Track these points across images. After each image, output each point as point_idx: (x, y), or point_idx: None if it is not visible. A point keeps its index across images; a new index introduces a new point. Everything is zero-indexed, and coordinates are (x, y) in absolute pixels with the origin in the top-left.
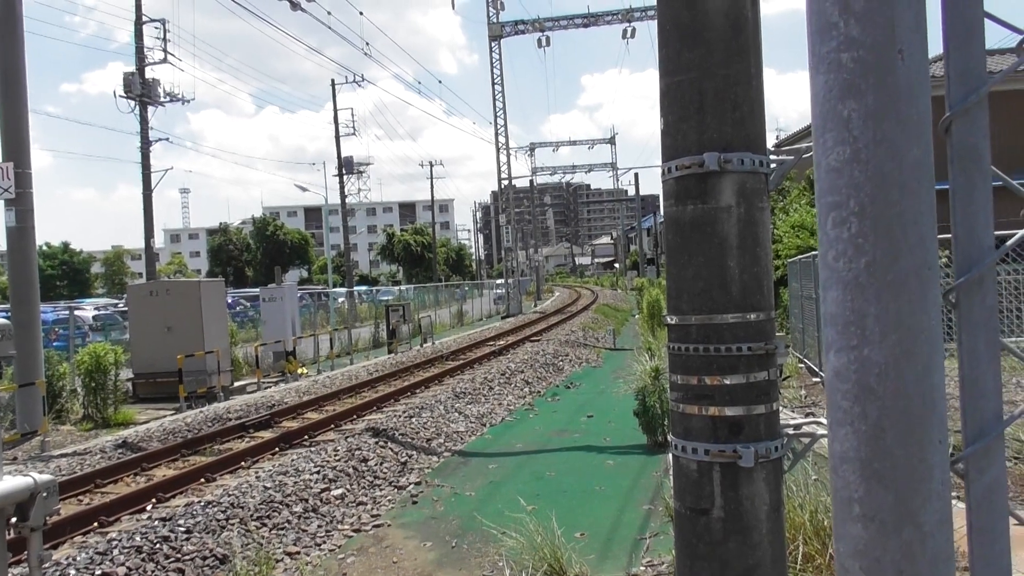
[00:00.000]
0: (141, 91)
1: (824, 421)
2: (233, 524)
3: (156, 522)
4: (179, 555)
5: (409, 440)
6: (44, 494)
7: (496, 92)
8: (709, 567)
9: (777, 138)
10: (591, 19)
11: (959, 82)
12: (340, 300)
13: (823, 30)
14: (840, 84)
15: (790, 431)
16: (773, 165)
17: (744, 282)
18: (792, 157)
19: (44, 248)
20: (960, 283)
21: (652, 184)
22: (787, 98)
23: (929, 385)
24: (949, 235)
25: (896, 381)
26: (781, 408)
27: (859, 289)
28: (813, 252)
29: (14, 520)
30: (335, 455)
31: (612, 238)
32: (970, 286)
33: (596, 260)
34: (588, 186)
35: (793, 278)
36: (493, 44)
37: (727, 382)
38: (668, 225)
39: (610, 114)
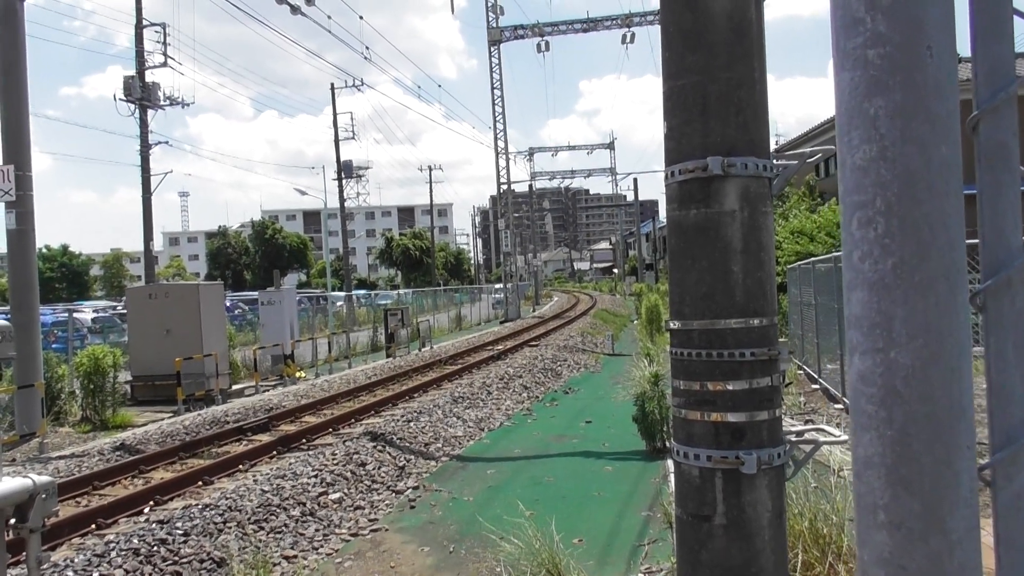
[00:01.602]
0: (141, 94)
1: (826, 428)
2: (230, 527)
3: (154, 525)
4: (177, 558)
5: (407, 444)
6: (43, 496)
7: (495, 97)
8: (711, 574)
9: (777, 143)
10: (590, 24)
11: (987, 80)
12: (339, 304)
13: (849, 26)
14: (867, 81)
15: (792, 438)
16: (777, 170)
17: (747, 287)
18: (796, 162)
19: (44, 251)
20: (988, 286)
21: (651, 189)
22: (785, 104)
23: (957, 389)
24: (975, 240)
25: (923, 385)
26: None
27: (886, 290)
28: (812, 258)
29: (13, 521)
30: (333, 459)
31: (611, 243)
32: (998, 289)
33: (595, 265)
34: (587, 191)
35: (793, 284)
36: (492, 49)
37: (730, 388)
38: (671, 229)
39: (609, 119)
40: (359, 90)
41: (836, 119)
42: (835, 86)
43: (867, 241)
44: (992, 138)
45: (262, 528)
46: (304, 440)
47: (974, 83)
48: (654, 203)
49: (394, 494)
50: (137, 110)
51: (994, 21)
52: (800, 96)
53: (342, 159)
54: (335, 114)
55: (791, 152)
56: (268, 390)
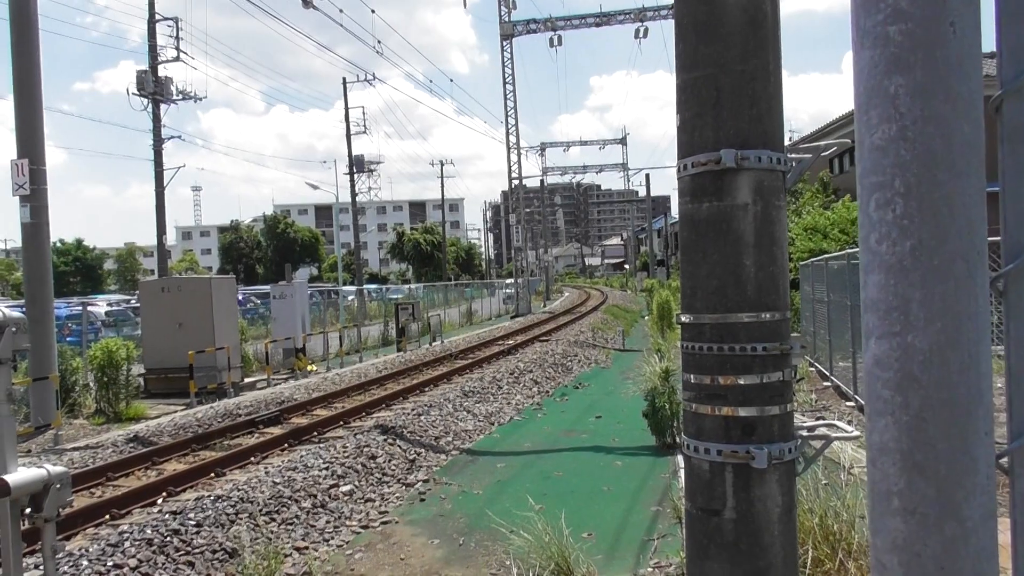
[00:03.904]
0: (154, 89)
1: (838, 424)
2: (242, 518)
3: (167, 515)
4: (189, 548)
5: (417, 438)
6: (57, 486)
7: (507, 91)
8: (720, 568)
9: (790, 140)
10: (603, 18)
11: (1012, 60)
12: (350, 298)
13: (869, 2)
14: (887, 59)
15: (803, 433)
16: (791, 163)
17: (759, 281)
18: (810, 155)
19: (58, 244)
20: (1009, 269)
21: (663, 185)
22: (799, 100)
23: (976, 374)
24: (996, 238)
25: (941, 369)
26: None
27: (903, 273)
28: (825, 255)
29: (28, 511)
30: (344, 452)
31: (622, 239)
32: (1019, 272)
33: (606, 261)
34: (599, 186)
35: (805, 281)
36: (504, 43)
37: (741, 382)
38: (683, 223)
39: (620, 115)
40: (370, 84)
41: (854, 98)
42: (854, 64)
43: (885, 223)
44: (1015, 119)
45: (273, 520)
46: (315, 433)
47: (998, 63)
48: (666, 199)
49: (404, 487)
50: (150, 105)
51: None
52: (814, 92)
53: (353, 153)
54: (347, 109)
55: (805, 145)
56: (280, 383)
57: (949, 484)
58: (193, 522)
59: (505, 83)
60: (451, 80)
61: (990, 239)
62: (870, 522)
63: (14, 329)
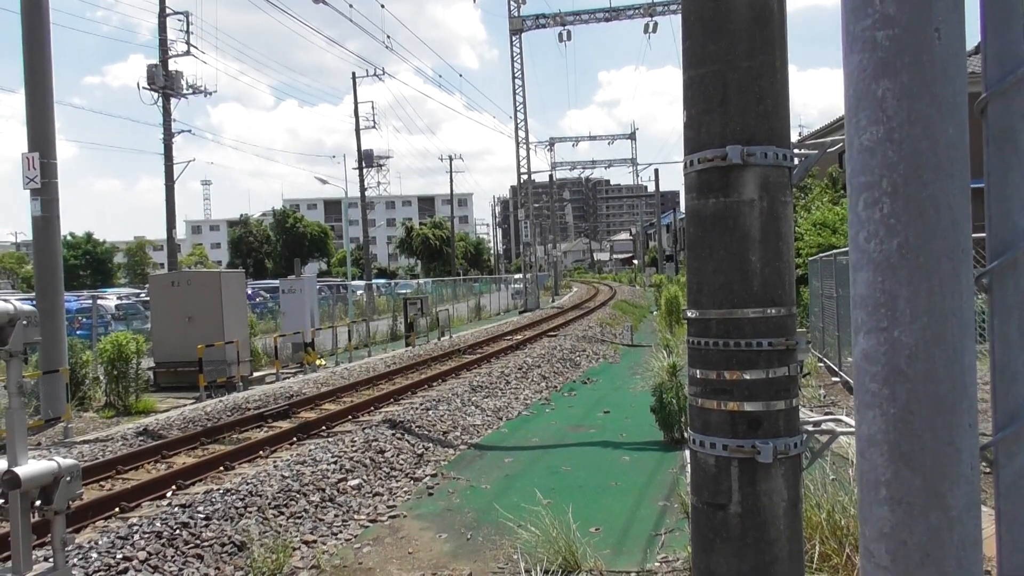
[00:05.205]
0: (164, 83)
1: (844, 419)
2: (251, 512)
3: (176, 508)
4: (198, 541)
5: (426, 432)
6: (67, 478)
7: (516, 86)
8: (725, 562)
9: (799, 135)
10: (612, 13)
11: (996, 63)
12: (359, 293)
13: (858, 8)
14: (874, 63)
15: (809, 428)
16: (797, 160)
17: (765, 277)
18: (816, 151)
19: (68, 238)
20: (993, 266)
21: (672, 180)
22: (808, 95)
23: (960, 368)
24: (981, 235)
25: (926, 363)
26: (800, 406)
27: (890, 270)
28: (835, 250)
29: (39, 503)
30: (352, 446)
31: (631, 234)
32: (1003, 270)
33: (614, 256)
34: (607, 182)
35: (814, 277)
36: (514, 38)
37: (747, 377)
38: (689, 218)
39: (628, 110)
40: (380, 79)
41: (844, 101)
42: (844, 68)
43: (872, 221)
44: (1000, 121)
45: (282, 513)
46: (324, 427)
47: (983, 66)
48: (675, 194)
49: (412, 481)
50: (160, 99)
51: (1004, 4)
52: (823, 87)
53: (363, 148)
54: (356, 104)
55: (811, 142)
56: (288, 377)
57: (934, 474)
58: (202, 515)
59: (514, 78)
60: (460, 75)
61: (976, 235)
62: (860, 511)
63: (25, 322)
